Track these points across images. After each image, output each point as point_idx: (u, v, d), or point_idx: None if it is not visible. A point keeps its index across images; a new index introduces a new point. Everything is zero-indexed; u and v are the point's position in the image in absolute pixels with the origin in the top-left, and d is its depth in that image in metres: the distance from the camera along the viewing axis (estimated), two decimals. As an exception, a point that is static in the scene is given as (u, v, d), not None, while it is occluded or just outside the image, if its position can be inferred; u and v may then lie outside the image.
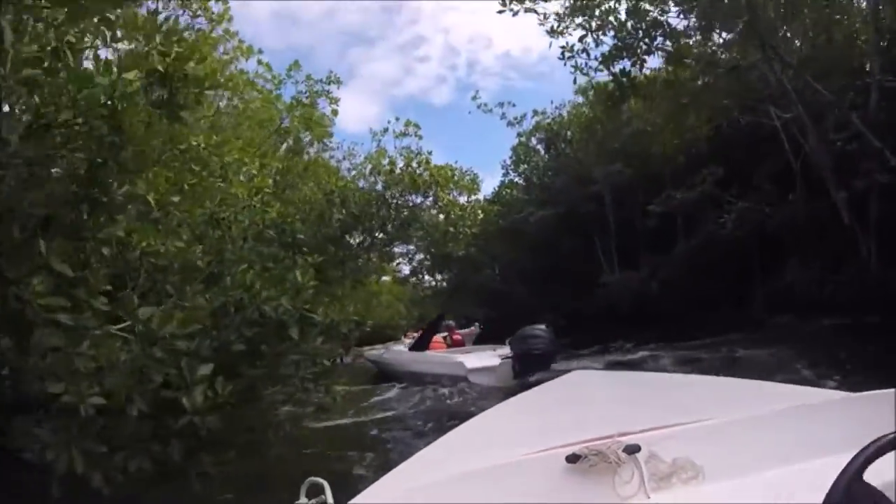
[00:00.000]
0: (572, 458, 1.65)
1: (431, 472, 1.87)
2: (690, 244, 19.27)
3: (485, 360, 12.07)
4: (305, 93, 17.97)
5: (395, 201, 18.86)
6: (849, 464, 1.06)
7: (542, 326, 11.53)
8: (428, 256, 28.25)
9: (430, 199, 19.44)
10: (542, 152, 28.00)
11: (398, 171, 18.94)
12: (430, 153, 19.29)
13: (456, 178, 20.20)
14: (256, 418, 4.91)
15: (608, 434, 1.77)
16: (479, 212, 23.28)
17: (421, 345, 15.77)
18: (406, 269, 30.05)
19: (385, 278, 31.75)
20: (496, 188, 29.36)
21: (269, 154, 13.30)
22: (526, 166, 28.30)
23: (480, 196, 23.92)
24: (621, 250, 23.12)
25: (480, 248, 26.39)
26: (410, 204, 19.27)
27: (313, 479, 1.64)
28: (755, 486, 1.60)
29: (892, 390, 1.73)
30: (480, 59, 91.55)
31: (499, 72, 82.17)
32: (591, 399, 2.90)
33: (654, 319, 18.44)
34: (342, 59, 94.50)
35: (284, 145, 17.43)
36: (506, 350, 11.79)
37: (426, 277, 32.59)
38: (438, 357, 14.03)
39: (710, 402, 2.35)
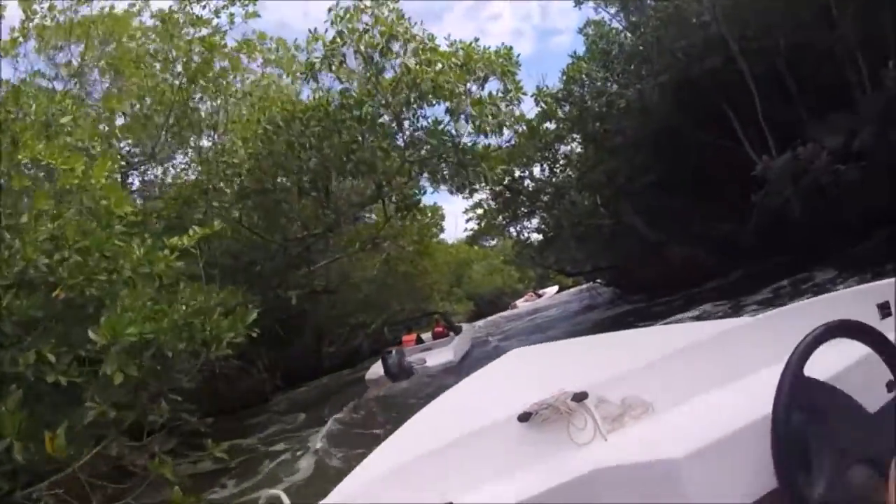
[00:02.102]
0: (524, 417, 1.72)
1: (388, 464, 1.83)
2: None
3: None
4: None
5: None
6: (787, 364, 1.17)
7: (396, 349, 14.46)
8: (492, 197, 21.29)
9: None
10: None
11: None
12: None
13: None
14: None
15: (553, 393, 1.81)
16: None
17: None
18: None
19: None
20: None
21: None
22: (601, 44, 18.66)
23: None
24: (773, 123, 14.11)
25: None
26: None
27: (271, 491, 1.62)
28: (704, 409, 1.66)
29: (808, 300, 1.95)
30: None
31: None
32: (533, 371, 2.82)
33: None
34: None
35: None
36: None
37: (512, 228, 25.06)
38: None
39: (646, 349, 2.27)
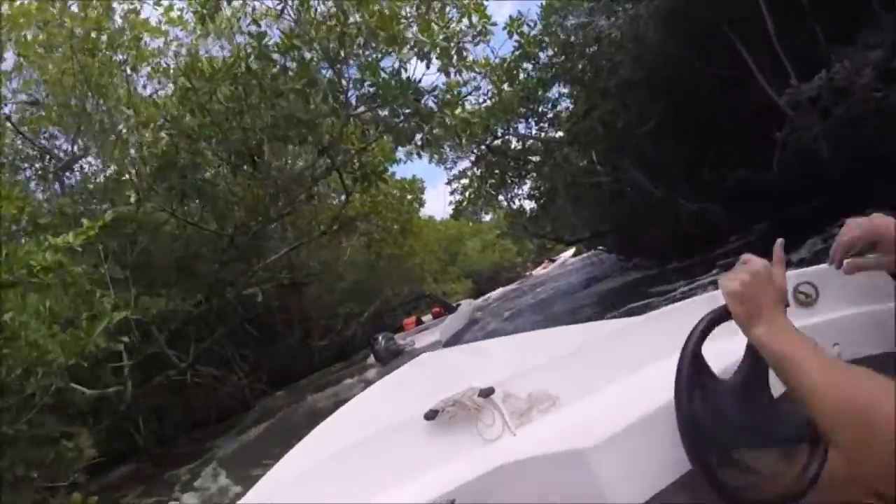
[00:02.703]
0: (430, 415, 1.68)
1: (293, 471, 1.82)
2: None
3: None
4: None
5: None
6: (685, 344, 1.19)
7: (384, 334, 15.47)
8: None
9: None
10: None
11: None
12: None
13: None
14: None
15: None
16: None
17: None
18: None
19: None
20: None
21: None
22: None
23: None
24: (788, 47, 12.11)
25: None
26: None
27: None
28: (610, 400, 1.68)
29: (707, 294, 1.86)
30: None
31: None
32: (440, 374, 2.81)
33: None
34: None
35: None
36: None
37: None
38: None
39: (549, 347, 2.33)
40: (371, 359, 15.56)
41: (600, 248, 23.63)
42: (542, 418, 1.69)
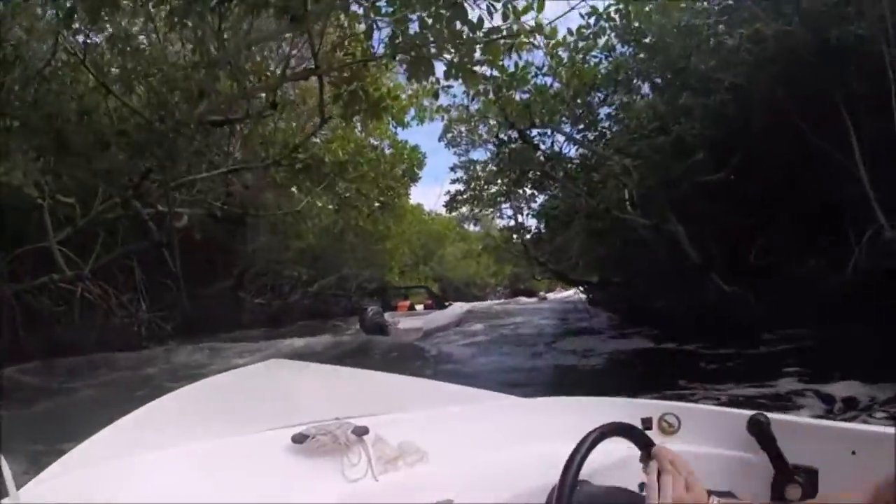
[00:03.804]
0: (299, 438, 1.63)
1: (134, 448, 1.65)
2: None
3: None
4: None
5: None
6: (572, 454, 1.13)
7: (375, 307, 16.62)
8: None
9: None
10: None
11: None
12: None
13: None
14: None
15: (326, 418, 1.76)
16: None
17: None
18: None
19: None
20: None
21: None
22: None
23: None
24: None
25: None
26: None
27: None
28: (475, 468, 1.71)
29: (572, 398, 1.96)
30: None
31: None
32: (292, 387, 2.63)
33: None
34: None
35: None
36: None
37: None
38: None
39: (427, 400, 2.27)
40: (357, 326, 16.76)
41: (588, 296, 20.93)
42: (407, 471, 1.68)
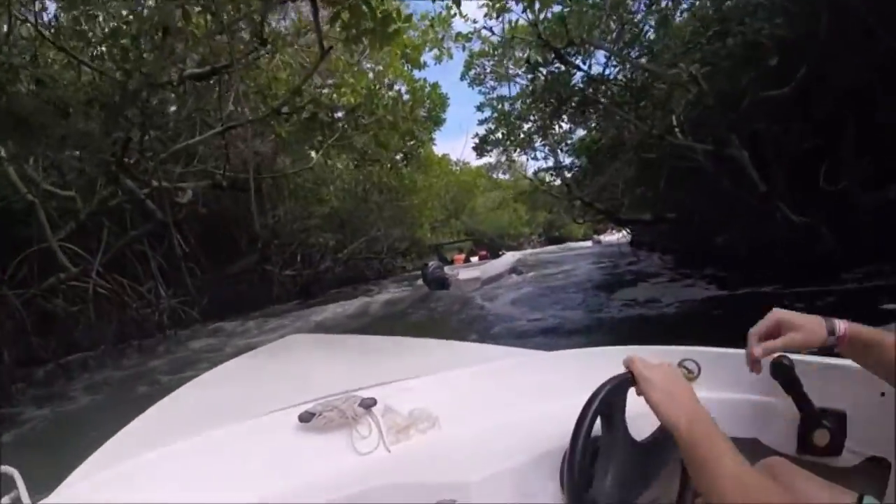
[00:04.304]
0: (306, 417, 1.61)
1: (143, 449, 1.57)
2: None
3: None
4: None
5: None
6: (589, 400, 1.16)
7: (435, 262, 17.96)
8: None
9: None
10: None
11: None
12: None
13: None
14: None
15: (335, 392, 1.72)
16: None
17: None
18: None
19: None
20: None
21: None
22: None
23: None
24: None
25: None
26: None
27: (4, 468, 1.35)
28: (489, 430, 1.65)
29: (605, 348, 1.88)
30: None
31: None
32: (311, 362, 2.73)
33: None
34: None
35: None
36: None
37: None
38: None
39: (439, 362, 2.33)
40: (420, 281, 17.96)
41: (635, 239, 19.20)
42: (420, 439, 1.65)
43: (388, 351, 2.81)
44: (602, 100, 12.25)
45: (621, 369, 1.21)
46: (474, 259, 21.49)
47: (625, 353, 1.35)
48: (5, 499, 1.33)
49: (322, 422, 1.59)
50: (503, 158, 22.64)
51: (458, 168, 31.58)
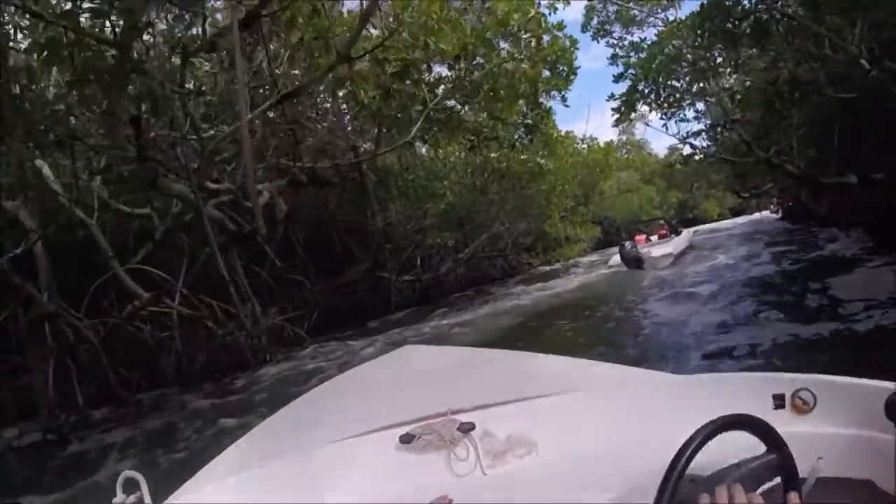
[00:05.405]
0: (406, 438, 1.69)
1: (257, 461, 1.79)
2: None
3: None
4: None
5: None
6: (674, 459, 1.07)
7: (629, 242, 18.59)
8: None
9: None
10: None
11: None
12: None
13: None
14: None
15: (440, 411, 1.78)
16: None
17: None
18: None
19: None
20: None
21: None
22: None
23: None
24: None
25: None
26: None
27: (129, 472, 1.56)
28: (588, 458, 1.61)
29: (718, 374, 1.79)
30: None
31: None
32: (421, 375, 2.65)
33: None
34: None
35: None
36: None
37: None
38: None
39: (545, 381, 2.19)
40: (612, 262, 19.27)
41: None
42: (517, 464, 1.66)
43: (499, 367, 2.62)
44: (783, 18, 8.90)
45: (728, 398, 1.19)
46: (653, 238, 21.82)
47: (759, 381, 1.43)
48: (131, 497, 1.52)
49: (422, 444, 1.67)
50: (645, 125, 20.00)
51: (584, 147, 28.21)
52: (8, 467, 7.77)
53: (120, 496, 1.53)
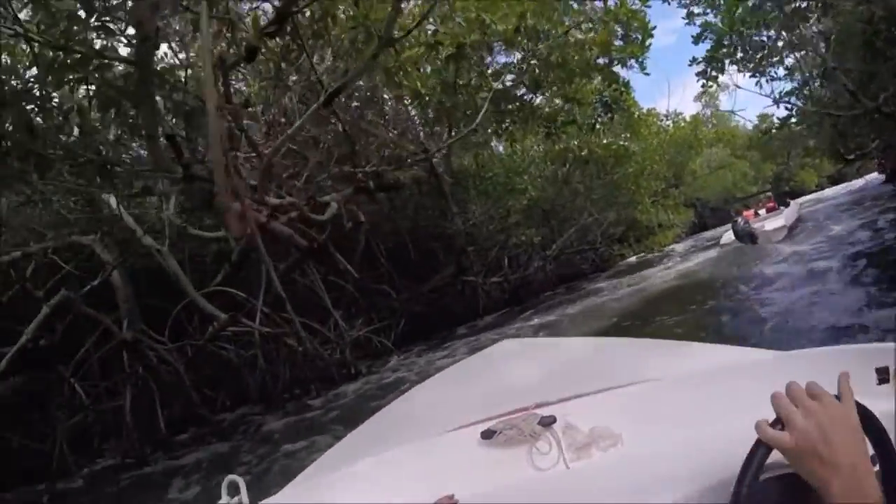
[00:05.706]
0: (487, 434, 1.67)
1: (350, 461, 1.84)
2: None
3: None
4: None
5: None
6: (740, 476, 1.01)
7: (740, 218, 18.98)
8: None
9: None
10: None
11: None
12: None
13: None
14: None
15: (525, 406, 1.77)
16: None
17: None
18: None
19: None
20: None
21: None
22: None
23: None
24: None
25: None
26: None
27: (232, 476, 1.64)
28: (675, 450, 1.50)
29: (809, 350, 1.67)
30: None
31: None
32: (514, 370, 2.66)
33: None
34: None
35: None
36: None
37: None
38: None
39: (632, 366, 2.27)
40: (724, 239, 18.40)
41: None
42: (601, 456, 1.62)
43: (597, 356, 2.70)
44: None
45: (854, 373, 1.00)
46: (761, 212, 21.61)
47: (861, 353, 1.33)
48: (235, 499, 1.58)
49: (502, 439, 1.64)
50: (736, 87, 18.68)
51: (669, 123, 26.65)
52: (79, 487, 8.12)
53: (224, 498, 1.59)
